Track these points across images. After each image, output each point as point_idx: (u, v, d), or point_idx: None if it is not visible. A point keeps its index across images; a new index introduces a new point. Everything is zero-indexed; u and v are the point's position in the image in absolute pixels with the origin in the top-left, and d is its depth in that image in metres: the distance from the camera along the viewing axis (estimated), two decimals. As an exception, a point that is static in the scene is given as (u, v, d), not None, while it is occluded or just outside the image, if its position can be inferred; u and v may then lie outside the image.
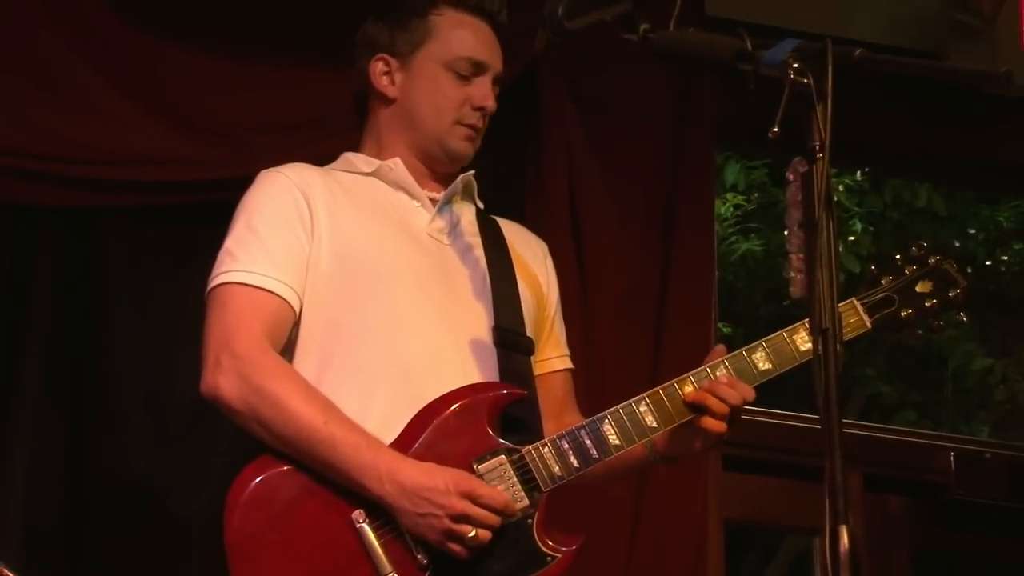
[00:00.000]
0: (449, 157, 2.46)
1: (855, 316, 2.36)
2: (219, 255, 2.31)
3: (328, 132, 3.01)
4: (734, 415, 2.27)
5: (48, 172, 3.01)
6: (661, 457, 2.36)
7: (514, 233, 2.56)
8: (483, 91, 2.44)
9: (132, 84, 3.11)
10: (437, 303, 2.33)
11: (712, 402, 2.24)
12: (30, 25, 3.05)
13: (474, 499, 2.12)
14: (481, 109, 2.44)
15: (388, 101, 2.47)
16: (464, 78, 2.44)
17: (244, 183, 2.43)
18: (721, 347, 2.36)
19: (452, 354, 2.29)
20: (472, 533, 2.11)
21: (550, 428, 2.34)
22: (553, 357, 2.52)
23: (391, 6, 2.51)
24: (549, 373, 2.50)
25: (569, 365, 2.56)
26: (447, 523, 2.10)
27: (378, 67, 2.47)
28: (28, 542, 2.90)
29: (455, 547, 2.12)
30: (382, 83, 2.47)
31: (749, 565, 6.84)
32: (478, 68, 2.44)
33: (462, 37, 2.45)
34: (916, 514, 3.91)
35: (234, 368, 2.18)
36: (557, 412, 2.45)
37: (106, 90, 3.08)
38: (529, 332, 2.41)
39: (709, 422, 2.25)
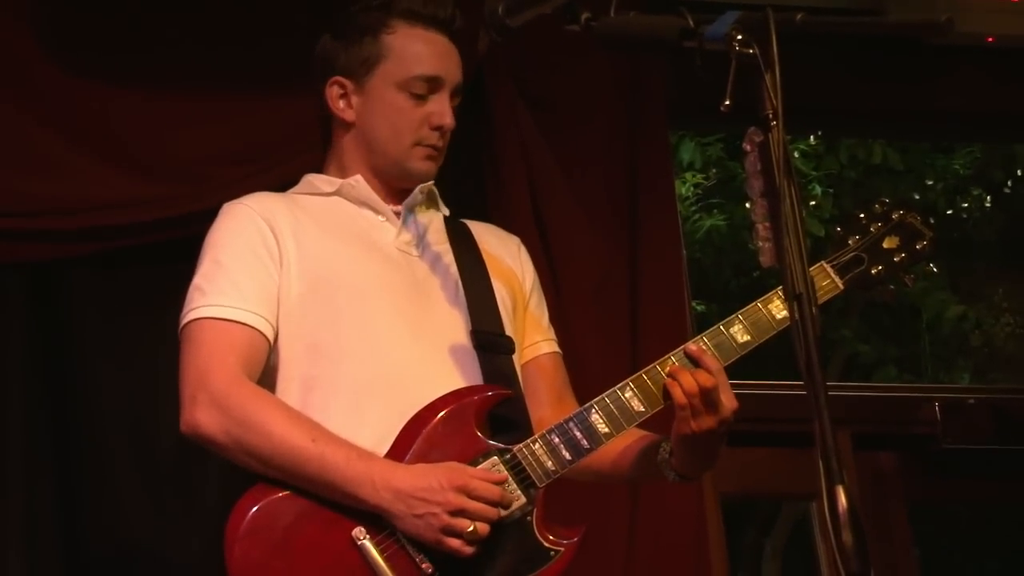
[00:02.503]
0: (411, 179, 2.44)
1: (826, 279, 2.35)
2: (188, 292, 2.29)
3: (285, 157, 3.00)
4: (707, 400, 2.19)
5: (8, 229, 3.00)
6: (678, 476, 2.30)
7: (485, 233, 2.54)
8: (441, 108, 2.39)
9: (82, 131, 3.09)
10: (413, 315, 2.32)
11: (676, 392, 2.19)
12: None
13: (468, 493, 2.11)
14: (440, 128, 2.40)
15: (347, 125, 2.44)
16: (420, 97, 2.39)
17: (206, 216, 2.42)
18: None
19: (434, 364, 2.28)
20: (470, 528, 2.10)
21: (551, 414, 2.32)
22: (540, 341, 2.50)
23: (344, 25, 2.46)
24: (538, 357, 2.48)
25: (556, 349, 2.53)
26: (444, 519, 2.10)
27: (334, 91, 2.44)
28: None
29: (454, 543, 2.10)
30: (339, 107, 2.44)
31: (749, 538, 6.86)
32: (434, 84, 2.40)
33: (416, 54, 2.40)
34: (907, 467, 3.93)
35: (212, 402, 2.17)
36: (555, 397, 2.44)
37: (57, 141, 3.07)
38: (508, 332, 2.40)
39: (684, 426, 2.19)
